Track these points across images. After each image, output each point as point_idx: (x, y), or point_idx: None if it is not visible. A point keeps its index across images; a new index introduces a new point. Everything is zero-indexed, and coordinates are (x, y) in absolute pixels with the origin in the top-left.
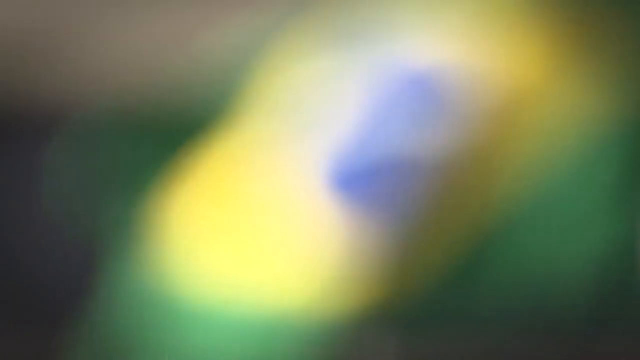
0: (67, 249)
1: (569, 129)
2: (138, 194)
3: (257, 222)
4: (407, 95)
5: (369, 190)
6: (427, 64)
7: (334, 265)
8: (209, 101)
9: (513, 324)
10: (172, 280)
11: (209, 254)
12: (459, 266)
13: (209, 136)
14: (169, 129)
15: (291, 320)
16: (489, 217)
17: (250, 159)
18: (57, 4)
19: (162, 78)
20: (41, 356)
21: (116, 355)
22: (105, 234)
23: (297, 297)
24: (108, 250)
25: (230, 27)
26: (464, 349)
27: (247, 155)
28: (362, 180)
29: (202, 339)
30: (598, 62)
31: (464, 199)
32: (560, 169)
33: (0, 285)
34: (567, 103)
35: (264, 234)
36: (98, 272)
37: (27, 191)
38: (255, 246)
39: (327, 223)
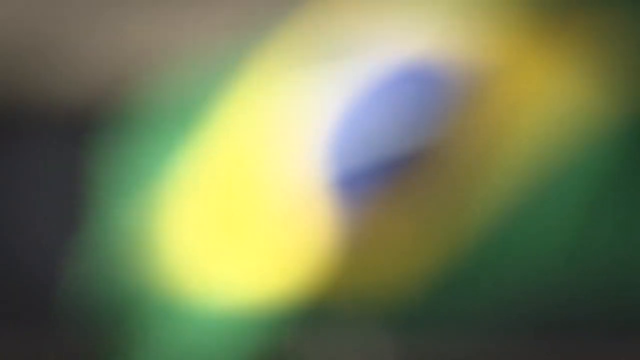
0: (67, 248)
1: (567, 124)
2: (134, 192)
3: (252, 220)
4: (403, 91)
5: (364, 189)
6: (422, 61)
7: (330, 263)
8: (205, 100)
9: (510, 324)
10: (172, 278)
11: (204, 251)
12: (458, 266)
13: (205, 134)
14: (165, 127)
15: (284, 318)
16: (488, 217)
17: (246, 156)
18: (55, 6)
19: (157, 77)
20: (41, 356)
21: (112, 351)
22: (101, 230)
23: (291, 294)
24: (105, 247)
25: (226, 27)
26: (463, 349)
27: (243, 152)
28: (357, 178)
29: (193, 333)
30: (594, 54)
31: (462, 198)
32: (559, 165)
33: (0, 285)
34: (566, 97)
35: (259, 231)
36: (96, 269)
37: (27, 191)
38: (250, 244)
39: (324, 222)
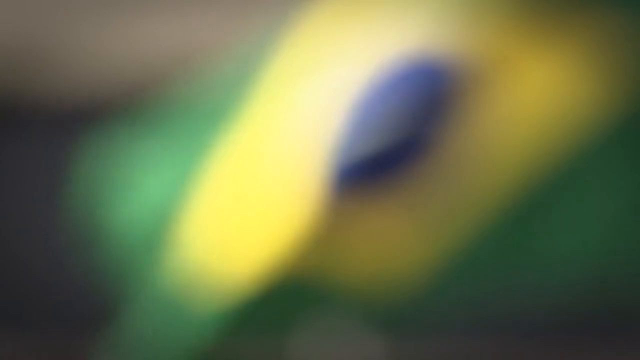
0: (70, 248)
1: (567, 120)
2: (134, 189)
3: (254, 215)
4: (403, 88)
5: (362, 184)
6: (421, 58)
7: (323, 260)
8: (210, 98)
9: (503, 324)
10: (174, 275)
11: (208, 247)
12: (453, 265)
13: (209, 130)
14: (171, 124)
15: (276, 314)
16: (483, 215)
17: (251, 152)
18: (55, 11)
19: (161, 76)
20: (42, 356)
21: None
22: (102, 231)
23: (282, 291)
24: (105, 245)
25: (236, 26)
26: (455, 349)
27: (248, 147)
28: (355, 174)
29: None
30: (593, 49)
31: (459, 196)
32: (557, 162)
33: (1, 286)
34: (565, 93)
35: (259, 228)
36: (97, 271)
37: (28, 190)
38: (248, 241)
39: (320, 217)
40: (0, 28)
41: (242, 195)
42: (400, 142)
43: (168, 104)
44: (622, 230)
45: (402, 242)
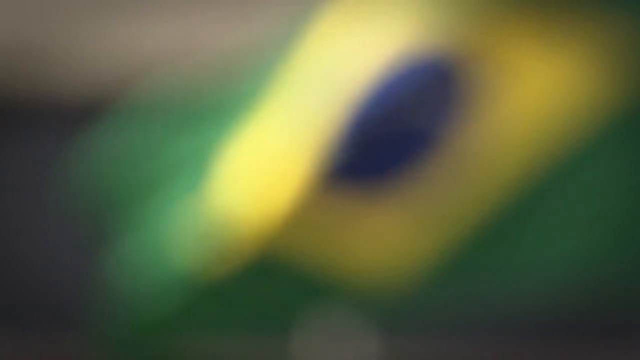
0: (70, 248)
1: (567, 116)
2: (131, 187)
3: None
4: (409, 83)
5: (363, 181)
6: (427, 53)
7: (326, 260)
8: (206, 96)
9: (505, 326)
10: (175, 274)
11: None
12: (453, 266)
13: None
14: (163, 125)
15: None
16: (483, 216)
17: (252, 152)
18: (55, 11)
19: (153, 76)
20: (42, 356)
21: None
22: (105, 233)
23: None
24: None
25: (227, 25)
26: (454, 350)
27: (249, 148)
28: (358, 170)
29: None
30: (593, 45)
31: (458, 194)
32: (560, 163)
33: (1, 286)
34: (566, 89)
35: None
36: (99, 272)
37: (29, 190)
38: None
39: (326, 217)
40: (0, 28)
41: (242, 193)
42: (400, 139)
43: (167, 102)
44: (622, 230)
45: (403, 241)
